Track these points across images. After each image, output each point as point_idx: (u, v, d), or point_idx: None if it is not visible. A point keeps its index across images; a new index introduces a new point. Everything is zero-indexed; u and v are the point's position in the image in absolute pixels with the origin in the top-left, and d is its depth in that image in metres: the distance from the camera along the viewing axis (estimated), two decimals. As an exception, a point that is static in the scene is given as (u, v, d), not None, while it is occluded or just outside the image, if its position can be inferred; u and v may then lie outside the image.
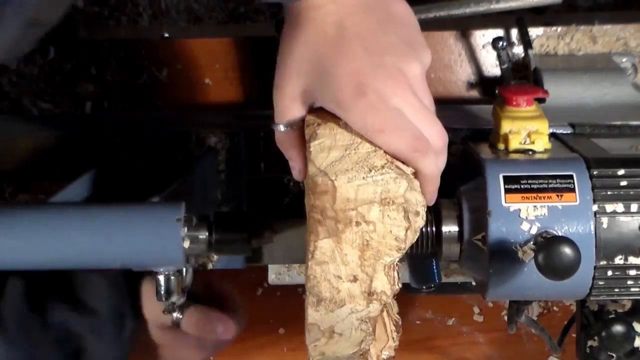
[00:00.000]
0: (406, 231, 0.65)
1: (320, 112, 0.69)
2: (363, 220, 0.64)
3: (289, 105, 0.69)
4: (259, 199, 0.96)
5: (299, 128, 0.70)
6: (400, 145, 0.65)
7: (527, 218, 0.70)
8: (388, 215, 0.65)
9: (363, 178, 0.65)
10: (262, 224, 0.76)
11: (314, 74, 0.67)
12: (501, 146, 0.79)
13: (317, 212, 0.64)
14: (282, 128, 0.70)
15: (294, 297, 1.19)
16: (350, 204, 0.64)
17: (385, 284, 0.65)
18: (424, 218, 0.67)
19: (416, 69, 0.67)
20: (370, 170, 0.65)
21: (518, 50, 1.02)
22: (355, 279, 0.64)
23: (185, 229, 0.75)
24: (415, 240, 0.67)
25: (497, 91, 0.83)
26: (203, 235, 0.75)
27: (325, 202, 0.64)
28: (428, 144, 0.66)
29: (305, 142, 0.69)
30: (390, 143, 0.65)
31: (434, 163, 0.68)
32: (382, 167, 0.65)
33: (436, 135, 0.67)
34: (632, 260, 0.71)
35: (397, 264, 0.67)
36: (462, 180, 0.78)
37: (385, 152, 0.66)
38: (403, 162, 0.66)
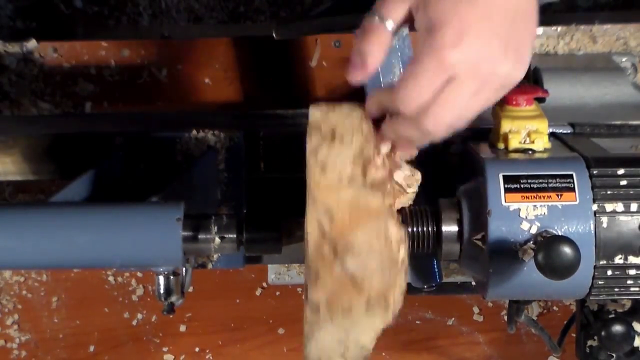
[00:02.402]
0: None
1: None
2: None
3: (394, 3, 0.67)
4: (259, 199, 0.96)
5: (394, 28, 0.68)
6: (413, 95, 0.65)
7: (526, 217, 0.70)
8: None
9: None
10: (293, 223, 0.76)
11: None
12: (501, 146, 0.79)
13: None
14: (377, 20, 0.67)
15: (293, 297, 1.19)
16: None
17: None
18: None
19: (506, 86, 0.67)
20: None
21: (518, 50, 1.02)
22: None
23: (216, 227, 0.75)
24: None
25: (496, 91, 0.83)
26: (233, 234, 0.75)
27: None
28: (428, 127, 0.66)
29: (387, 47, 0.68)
30: (413, 88, 0.65)
31: (413, 133, 0.68)
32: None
33: (439, 131, 0.67)
34: (632, 259, 0.71)
35: None
36: (462, 179, 0.78)
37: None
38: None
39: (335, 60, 1.07)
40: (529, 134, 0.78)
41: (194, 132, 0.94)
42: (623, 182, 0.72)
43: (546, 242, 0.66)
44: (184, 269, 0.82)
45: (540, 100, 0.86)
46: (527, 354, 1.23)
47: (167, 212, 0.74)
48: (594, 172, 0.72)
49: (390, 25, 0.67)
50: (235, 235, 0.75)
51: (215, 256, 0.94)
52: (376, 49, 0.68)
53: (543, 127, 0.78)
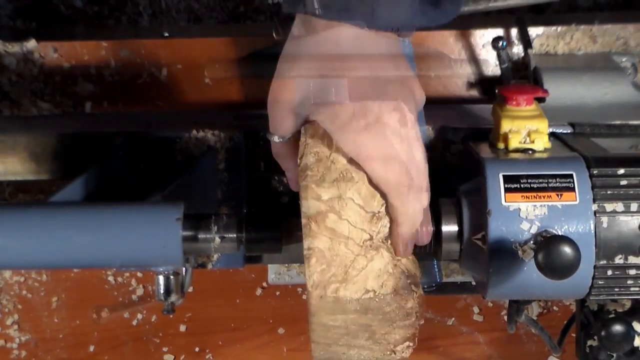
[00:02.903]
0: None
1: (311, 128, 0.69)
2: None
3: (283, 117, 0.69)
4: (259, 198, 0.96)
5: (295, 140, 0.69)
6: (389, 176, 0.66)
7: (527, 217, 0.70)
8: None
9: None
10: (294, 223, 0.76)
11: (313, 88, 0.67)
12: (501, 145, 0.79)
13: None
14: (276, 139, 0.70)
15: (293, 297, 1.19)
16: None
17: None
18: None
19: (412, 107, 0.68)
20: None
21: (518, 49, 1.02)
22: None
23: (216, 227, 0.75)
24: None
25: (497, 90, 0.83)
26: (233, 234, 0.76)
27: None
28: (412, 180, 0.67)
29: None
30: (379, 172, 0.66)
31: (417, 200, 0.69)
32: None
33: (421, 175, 0.69)
34: (632, 259, 0.71)
35: None
36: (462, 179, 0.78)
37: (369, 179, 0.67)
38: (383, 193, 0.67)
39: (335, 60, 1.07)
40: (529, 134, 0.78)
41: (194, 132, 0.94)
42: (623, 182, 0.72)
43: (546, 242, 0.66)
44: (184, 269, 0.82)
45: (540, 100, 0.86)
46: (527, 354, 1.23)
47: (167, 212, 0.74)
48: (594, 172, 0.72)
49: (277, 139, 0.72)
50: (235, 235, 0.75)
51: (215, 256, 0.94)
52: (287, 164, 0.74)
53: (543, 127, 0.78)
